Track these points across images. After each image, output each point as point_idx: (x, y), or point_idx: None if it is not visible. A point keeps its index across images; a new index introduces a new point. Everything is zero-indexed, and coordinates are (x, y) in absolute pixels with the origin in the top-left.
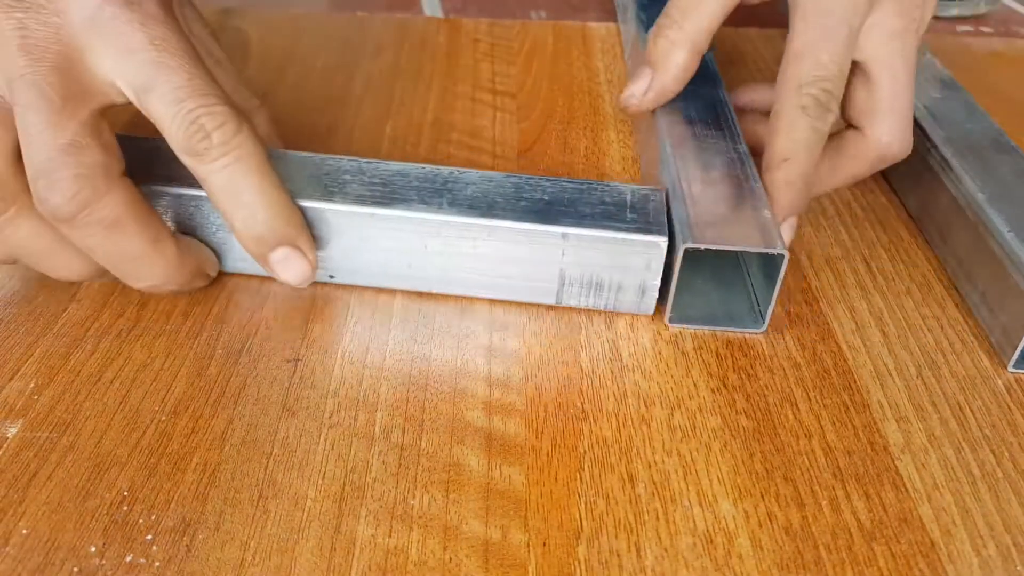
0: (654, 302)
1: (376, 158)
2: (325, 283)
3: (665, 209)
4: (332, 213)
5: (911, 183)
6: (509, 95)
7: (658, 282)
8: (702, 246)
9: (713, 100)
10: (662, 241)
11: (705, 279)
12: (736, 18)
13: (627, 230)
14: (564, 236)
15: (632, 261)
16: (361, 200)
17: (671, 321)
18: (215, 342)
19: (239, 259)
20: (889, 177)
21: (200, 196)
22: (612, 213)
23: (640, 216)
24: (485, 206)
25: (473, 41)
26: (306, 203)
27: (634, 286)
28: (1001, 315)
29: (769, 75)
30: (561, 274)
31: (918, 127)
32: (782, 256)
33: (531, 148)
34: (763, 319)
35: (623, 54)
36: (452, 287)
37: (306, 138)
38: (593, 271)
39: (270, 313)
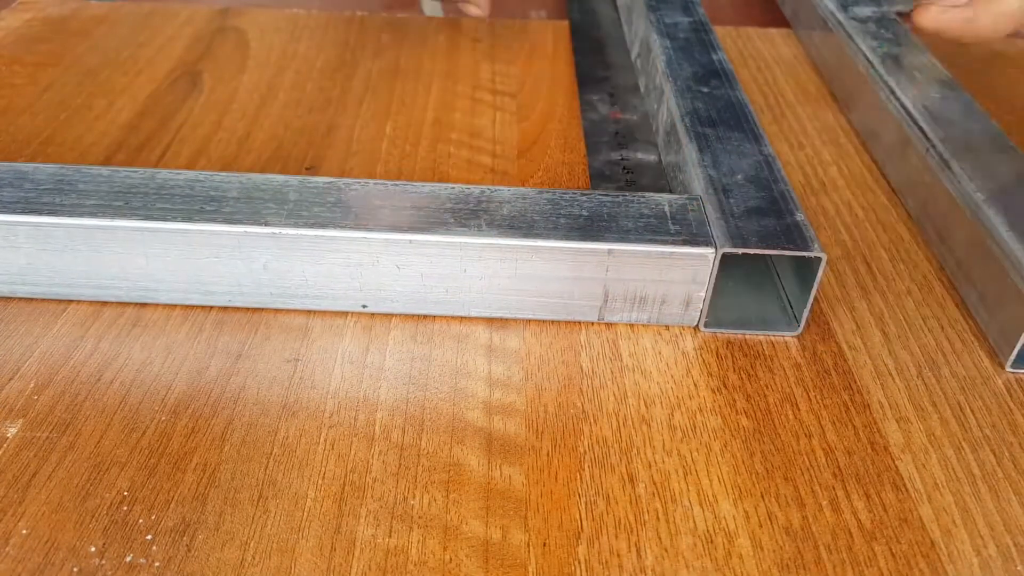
0: (698, 313)
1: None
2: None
3: (705, 219)
4: (367, 242)
5: (911, 183)
6: (509, 95)
7: (703, 293)
8: (740, 251)
9: (732, 101)
10: (709, 253)
11: (736, 282)
12: (737, 18)
13: (673, 243)
14: (610, 253)
15: (678, 274)
16: (396, 227)
17: (706, 326)
18: (215, 342)
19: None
20: (889, 177)
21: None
22: (654, 226)
23: (683, 227)
24: (525, 225)
25: (473, 41)
26: (338, 232)
27: (679, 298)
28: (999, 315)
29: (769, 75)
30: (605, 291)
31: (917, 127)
32: (819, 260)
33: (531, 148)
34: (798, 322)
35: (630, 56)
36: (491, 310)
37: (306, 138)
38: (638, 286)
39: (270, 313)
